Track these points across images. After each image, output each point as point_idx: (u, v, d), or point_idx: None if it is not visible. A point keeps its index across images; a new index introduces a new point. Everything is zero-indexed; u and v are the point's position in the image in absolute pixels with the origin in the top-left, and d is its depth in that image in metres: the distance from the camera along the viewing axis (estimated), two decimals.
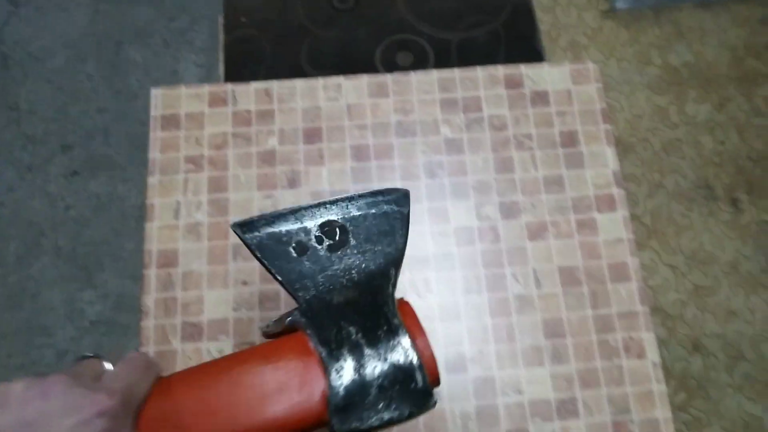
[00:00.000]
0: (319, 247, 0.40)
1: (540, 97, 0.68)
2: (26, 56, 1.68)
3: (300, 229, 0.40)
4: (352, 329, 0.38)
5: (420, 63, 0.73)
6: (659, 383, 0.58)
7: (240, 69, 0.73)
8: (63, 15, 1.72)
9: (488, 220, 0.63)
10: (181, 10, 1.73)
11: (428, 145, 0.66)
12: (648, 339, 0.60)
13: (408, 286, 0.61)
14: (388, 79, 0.69)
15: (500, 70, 0.69)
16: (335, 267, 0.39)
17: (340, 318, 0.38)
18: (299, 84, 0.68)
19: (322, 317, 0.38)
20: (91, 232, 1.52)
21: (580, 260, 0.62)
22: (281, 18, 0.75)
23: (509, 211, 0.64)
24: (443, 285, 0.61)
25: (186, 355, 0.58)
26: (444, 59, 0.73)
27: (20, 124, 1.61)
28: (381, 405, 0.36)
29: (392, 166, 0.65)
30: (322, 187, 0.64)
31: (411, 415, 0.36)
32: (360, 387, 0.36)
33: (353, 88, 0.68)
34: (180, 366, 0.58)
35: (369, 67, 0.73)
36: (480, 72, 0.69)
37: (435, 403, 0.37)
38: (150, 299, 0.60)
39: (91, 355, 0.37)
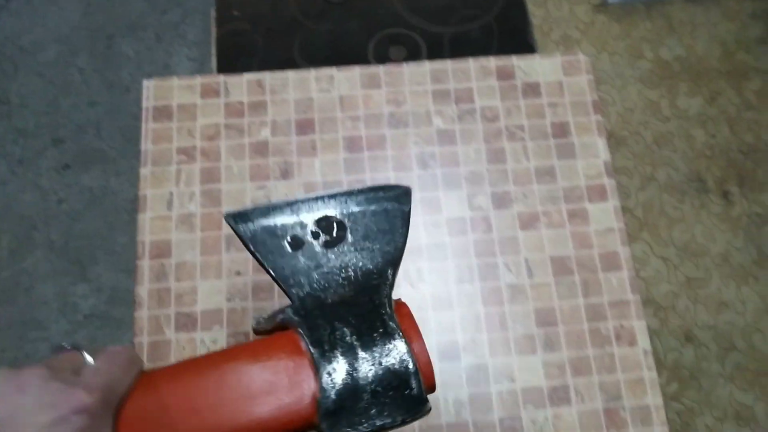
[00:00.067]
0: (315, 242, 0.38)
1: (531, 89, 0.69)
2: (17, 50, 1.67)
3: (296, 222, 0.38)
4: (347, 330, 0.36)
5: (413, 57, 0.73)
6: (650, 370, 0.59)
7: (232, 62, 0.72)
8: (54, 8, 1.71)
9: (480, 210, 0.64)
10: (173, 4, 1.72)
11: (420, 136, 0.66)
12: (639, 327, 0.60)
13: (401, 276, 0.61)
14: (380, 70, 0.69)
15: (492, 62, 0.70)
16: (331, 264, 0.38)
17: (334, 318, 0.37)
18: (291, 75, 0.68)
19: (315, 316, 0.37)
20: (83, 226, 1.51)
21: (572, 250, 0.63)
22: (274, 11, 0.75)
23: (501, 201, 0.64)
24: (436, 275, 0.62)
25: (180, 345, 0.58)
26: (437, 53, 0.73)
27: (11, 118, 1.60)
28: (373, 410, 0.34)
29: (385, 157, 0.66)
30: (315, 179, 0.65)
31: (404, 422, 0.35)
32: (352, 391, 0.35)
33: (345, 79, 0.68)
34: (174, 356, 0.58)
35: (362, 61, 0.73)
36: (472, 63, 0.69)
37: (429, 409, 0.36)
38: (143, 290, 0.60)
39: (70, 347, 0.34)
